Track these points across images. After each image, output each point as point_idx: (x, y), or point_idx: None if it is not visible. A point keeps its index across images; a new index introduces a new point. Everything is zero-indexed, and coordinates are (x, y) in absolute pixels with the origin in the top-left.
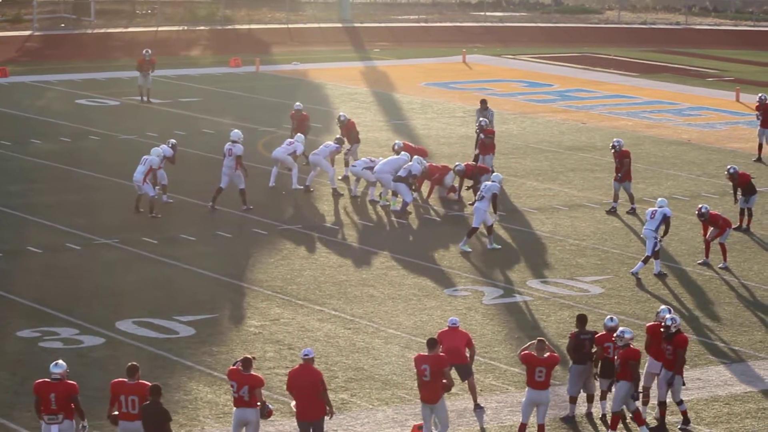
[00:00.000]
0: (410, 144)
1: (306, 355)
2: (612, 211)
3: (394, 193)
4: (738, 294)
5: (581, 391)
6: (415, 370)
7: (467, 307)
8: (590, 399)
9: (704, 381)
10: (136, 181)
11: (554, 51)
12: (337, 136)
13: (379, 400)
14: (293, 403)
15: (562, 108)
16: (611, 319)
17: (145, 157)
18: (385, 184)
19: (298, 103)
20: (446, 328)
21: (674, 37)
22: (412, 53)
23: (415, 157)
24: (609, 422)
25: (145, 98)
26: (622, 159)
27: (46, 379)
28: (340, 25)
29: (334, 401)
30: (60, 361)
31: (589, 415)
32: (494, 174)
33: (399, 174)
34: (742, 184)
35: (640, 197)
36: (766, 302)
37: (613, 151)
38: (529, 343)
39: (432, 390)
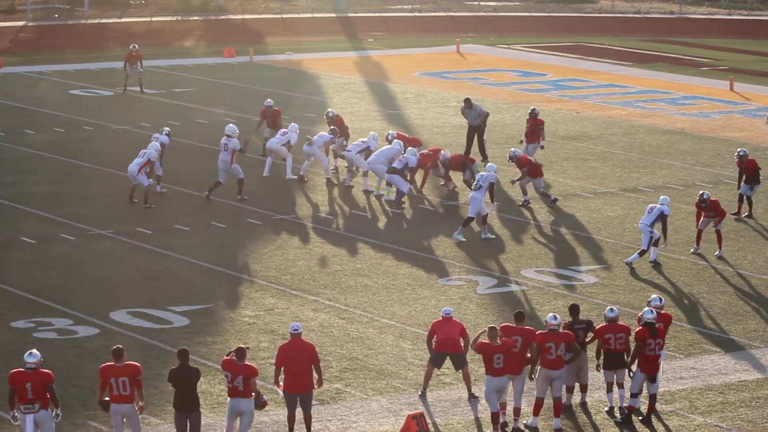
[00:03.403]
0: (404, 134)
1: (295, 329)
2: (524, 205)
3: (388, 183)
4: (732, 283)
5: (575, 380)
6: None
7: (461, 297)
8: (584, 389)
9: (698, 370)
10: (130, 172)
11: (548, 40)
12: (332, 126)
13: (374, 390)
14: (281, 391)
15: (556, 97)
16: (611, 309)
17: (143, 150)
18: (378, 174)
19: (269, 100)
20: (440, 318)
21: (668, 26)
22: (405, 43)
23: (409, 148)
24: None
25: (129, 88)
26: (521, 167)
27: (21, 369)
28: (333, 15)
29: (329, 391)
30: (34, 351)
31: (583, 404)
32: (488, 164)
33: (394, 166)
34: (749, 170)
35: (635, 186)
36: (761, 291)
37: (512, 161)
38: (480, 332)
39: (519, 361)
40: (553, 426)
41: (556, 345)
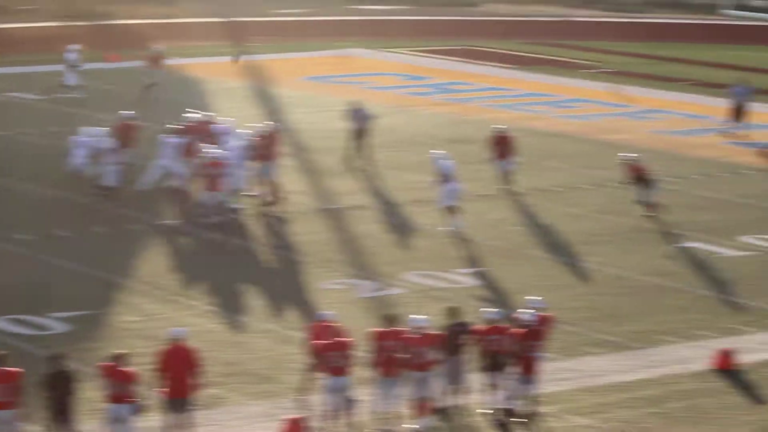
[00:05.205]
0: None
1: (176, 334)
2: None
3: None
4: (614, 285)
5: (454, 382)
6: (377, 346)
7: (342, 301)
8: (462, 391)
9: (579, 371)
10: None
11: (436, 44)
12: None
13: (253, 395)
14: (161, 396)
15: (440, 101)
16: (491, 311)
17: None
18: None
19: (129, 112)
20: (319, 322)
21: (553, 29)
22: (292, 47)
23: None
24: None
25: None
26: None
27: None
28: (219, 19)
29: (209, 396)
30: None
31: (462, 406)
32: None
33: None
34: None
35: (519, 189)
36: (642, 292)
37: None
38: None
39: (395, 363)
40: (423, 424)
41: (426, 347)
